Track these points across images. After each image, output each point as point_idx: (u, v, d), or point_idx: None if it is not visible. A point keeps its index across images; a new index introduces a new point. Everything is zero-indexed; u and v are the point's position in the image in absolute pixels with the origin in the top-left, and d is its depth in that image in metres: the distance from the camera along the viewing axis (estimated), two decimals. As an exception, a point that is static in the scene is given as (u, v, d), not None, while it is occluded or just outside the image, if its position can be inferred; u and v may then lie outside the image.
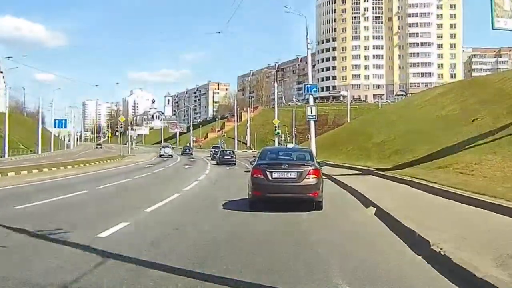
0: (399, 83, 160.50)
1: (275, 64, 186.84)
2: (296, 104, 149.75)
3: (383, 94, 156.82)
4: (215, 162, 51.78)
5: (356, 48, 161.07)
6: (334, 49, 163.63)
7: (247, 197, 13.67)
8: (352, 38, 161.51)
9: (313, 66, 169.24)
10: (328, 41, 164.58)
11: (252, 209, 12.91)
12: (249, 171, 16.52)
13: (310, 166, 13.14)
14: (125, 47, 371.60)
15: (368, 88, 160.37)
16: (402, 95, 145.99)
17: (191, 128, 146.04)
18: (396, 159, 29.09)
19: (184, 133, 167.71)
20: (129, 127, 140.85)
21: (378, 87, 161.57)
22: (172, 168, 44.00)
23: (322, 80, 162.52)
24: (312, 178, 12.75)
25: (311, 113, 38.15)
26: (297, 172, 12.78)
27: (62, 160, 49.31)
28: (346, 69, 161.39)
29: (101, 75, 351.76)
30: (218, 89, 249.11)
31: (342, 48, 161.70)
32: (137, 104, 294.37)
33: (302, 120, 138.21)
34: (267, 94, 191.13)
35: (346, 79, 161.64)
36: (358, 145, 45.43)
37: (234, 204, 14.23)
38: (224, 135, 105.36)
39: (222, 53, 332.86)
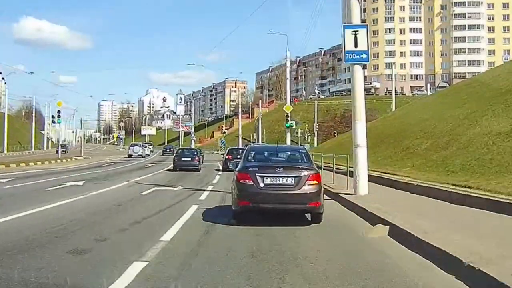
0: (441, 73, 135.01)
1: (296, 59, 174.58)
2: (319, 97, 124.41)
3: (422, 86, 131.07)
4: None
5: (389, 32, 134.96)
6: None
7: (231, 206, 11.12)
8: (385, 20, 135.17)
9: (337, 57, 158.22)
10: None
11: (238, 221, 10.56)
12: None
13: (310, 169, 10.67)
14: (147, 49, 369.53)
15: (404, 79, 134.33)
16: (445, 86, 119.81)
17: (193, 127, 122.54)
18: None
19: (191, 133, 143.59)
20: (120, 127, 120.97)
21: (416, 78, 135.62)
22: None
23: (349, 70, 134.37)
24: (313, 184, 10.40)
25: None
26: (295, 177, 10.36)
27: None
28: (378, 56, 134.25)
29: (122, 76, 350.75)
30: (235, 87, 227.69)
31: (373, 31, 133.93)
32: (152, 104, 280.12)
33: (327, 115, 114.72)
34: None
35: (378, 68, 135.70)
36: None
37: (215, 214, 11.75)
38: (224, 132, 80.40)
39: (244, 52, 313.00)
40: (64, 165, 39.65)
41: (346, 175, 16.59)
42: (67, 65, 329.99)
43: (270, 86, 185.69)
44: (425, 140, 24.75)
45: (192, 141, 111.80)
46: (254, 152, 12.16)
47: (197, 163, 35.15)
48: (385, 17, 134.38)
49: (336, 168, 20.91)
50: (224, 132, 75.79)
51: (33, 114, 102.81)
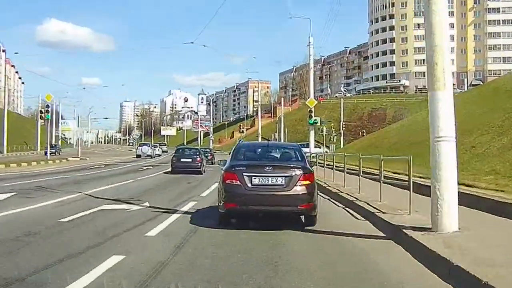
0: (474, 70, 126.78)
1: (320, 58, 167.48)
2: (345, 95, 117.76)
3: (453, 84, 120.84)
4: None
5: (419, 27, 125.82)
6: (392, 28, 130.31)
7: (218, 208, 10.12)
8: (415, 15, 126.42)
9: (363, 56, 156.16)
10: (384, 19, 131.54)
11: (223, 224, 9.80)
12: None
13: (302, 168, 9.81)
14: (172, 50, 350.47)
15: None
16: (478, 84, 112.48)
17: (211, 127, 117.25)
18: None
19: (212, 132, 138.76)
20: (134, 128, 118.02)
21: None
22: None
23: (377, 67, 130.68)
24: (305, 184, 9.59)
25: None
26: (285, 176, 9.58)
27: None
28: (407, 52, 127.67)
29: (146, 78, 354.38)
30: (258, 87, 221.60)
31: (402, 27, 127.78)
32: (175, 104, 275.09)
33: (353, 115, 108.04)
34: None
35: (407, 65, 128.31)
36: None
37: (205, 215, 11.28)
38: (242, 132, 74.33)
39: (268, 53, 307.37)
40: (44, 167, 34.51)
41: (409, 190, 10.24)
42: (90, 67, 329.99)
43: (294, 86, 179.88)
44: (496, 136, 18.50)
45: (211, 141, 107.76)
46: (243, 150, 11.33)
47: (199, 164, 30.34)
48: (415, 12, 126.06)
49: (370, 174, 16.21)
50: (242, 132, 69.69)
51: (38, 114, 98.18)
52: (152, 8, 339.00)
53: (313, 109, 40.53)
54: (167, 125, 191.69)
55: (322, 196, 15.21)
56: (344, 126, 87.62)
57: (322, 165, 24.02)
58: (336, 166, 21.81)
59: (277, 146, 13.49)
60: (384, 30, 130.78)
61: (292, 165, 10.02)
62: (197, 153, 32.16)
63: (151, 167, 36.92)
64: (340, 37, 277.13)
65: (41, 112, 51.03)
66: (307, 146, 37.94)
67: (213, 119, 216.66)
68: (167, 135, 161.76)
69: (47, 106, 45.49)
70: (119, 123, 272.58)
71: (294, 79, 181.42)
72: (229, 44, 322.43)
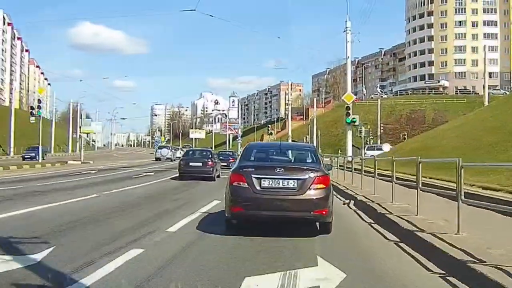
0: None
1: (354, 59, 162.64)
2: (381, 96, 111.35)
3: (496, 85, 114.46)
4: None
5: (460, 25, 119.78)
6: (431, 26, 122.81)
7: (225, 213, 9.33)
8: (455, 12, 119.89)
9: (399, 57, 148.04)
10: (422, 16, 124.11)
11: (230, 230, 9.08)
12: None
13: (316, 170, 9.06)
14: (206, 54, 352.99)
15: (477, 77, 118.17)
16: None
17: (240, 129, 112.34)
18: None
19: (241, 136, 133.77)
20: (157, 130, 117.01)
21: (490, 76, 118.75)
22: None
23: (415, 67, 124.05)
24: (319, 188, 8.84)
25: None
26: (298, 179, 8.81)
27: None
28: (446, 52, 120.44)
29: (179, 81, 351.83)
30: (291, 89, 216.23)
31: (442, 24, 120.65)
32: (206, 108, 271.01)
33: (390, 117, 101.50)
34: (345, 92, 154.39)
35: (446, 65, 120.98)
36: None
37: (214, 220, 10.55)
38: (271, 134, 68.62)
39: (301, 56, 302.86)
40: (27, 171, 31.26)
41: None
42: (123, 70, 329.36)
43: (327, 89, 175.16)
44: None
45: (239, 144, 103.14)
46: (253, 150, 10.53)
47: (211, 169, 26.33)
48: (455, 9, 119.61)
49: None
50: (271, 133, 64.27)
51: (53, 116, 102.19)
52: (185, 12, 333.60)
53: (350, 106, 35.31)
54: (196, 128, 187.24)
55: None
56: (381, 128, 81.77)
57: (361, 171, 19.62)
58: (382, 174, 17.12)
59: (291, 146, 12.83)
60: (422, 28, 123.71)
61: (305, 167, 9.29)
62: (209, 156, 27.76)
63: (152, 173, 31.31)
64: (374, 39, 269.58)
65: (31, 108, 45.98)
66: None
67: (244, 122, 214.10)
68: (195, 138, 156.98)
69: (39, 101, 40.81)
70: (150, 126, 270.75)
71: (327, 81, 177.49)
72: (261, 47, 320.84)
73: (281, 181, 8.72)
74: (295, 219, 9.05)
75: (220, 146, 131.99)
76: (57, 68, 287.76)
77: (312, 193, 8.69)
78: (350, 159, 34.95)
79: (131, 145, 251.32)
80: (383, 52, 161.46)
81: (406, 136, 72.04)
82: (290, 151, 10.90)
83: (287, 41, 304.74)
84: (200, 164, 26.34)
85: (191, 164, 26.42)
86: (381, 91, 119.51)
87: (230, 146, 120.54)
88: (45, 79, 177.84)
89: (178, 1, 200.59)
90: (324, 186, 8.85)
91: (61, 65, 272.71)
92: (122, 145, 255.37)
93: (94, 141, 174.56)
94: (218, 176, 26.75)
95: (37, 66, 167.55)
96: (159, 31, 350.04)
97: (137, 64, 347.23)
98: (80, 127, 46.40)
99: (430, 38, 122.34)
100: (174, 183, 23.13)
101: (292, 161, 10.27)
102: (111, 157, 66.94)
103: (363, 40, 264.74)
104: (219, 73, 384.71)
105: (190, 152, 30.36)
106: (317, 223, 9.26)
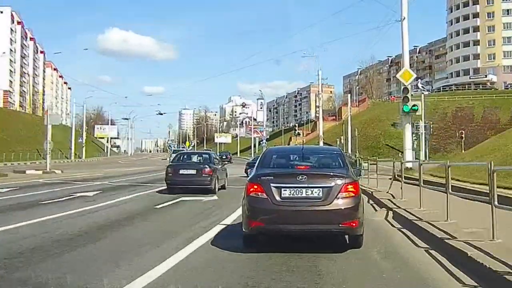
0: None
1: (387, 58, 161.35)
2: (422, 93, 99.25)
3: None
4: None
5: (508, 14, 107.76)
6: (476, 16, 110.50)
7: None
8: (503, 0, 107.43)
9: (435, 54, 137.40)
10: (466, 5, 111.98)
11: (249, 247, 8.02)
12: None
13: (344, 177, 8.03)
14: (235, 59, 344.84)
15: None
16: None
17: (265, 131, 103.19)
18: None
19: (268, 139, 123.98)
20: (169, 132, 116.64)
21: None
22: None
23: (458, 62, 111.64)
24: (348, 197, 7.80)
25: None
26: (323, 187, 7.79)
27: None
28: (494, 43, 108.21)
29: (210, 87, 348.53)
30: (321, 91, 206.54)
31: (488, 14, 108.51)
32: (234, 112, 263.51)
33: (434, 115, 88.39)
34: (378, 94, 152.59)
35: (494, 58, 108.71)
36: None
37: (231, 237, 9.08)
38: (298, 134, 57.94)
39: (332, 57, 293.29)
40: None
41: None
42: (153, 76, 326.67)
43: (359, 90, 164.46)
44: None
45: (264, 148, 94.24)
46: (272, 156, 9.33)
47: (208, 178, 19.55)
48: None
49: None
50: (298, 134, 54.36)
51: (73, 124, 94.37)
52: (215, 16, 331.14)
53: (409, 88, 24.83)
54: (223, 132, 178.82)
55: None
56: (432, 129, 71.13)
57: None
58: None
59: (314, 150, 11.39)
60: (466, 18, 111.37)
61: (331, 173, 8.17)
62: (207, 161, 21.11)
63: (97, 192, 20.20)
64: (411, 34, 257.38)
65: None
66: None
67: (273, 125, 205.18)
68: (219, 143, 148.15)
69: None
70: (178, 131, 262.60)
71: (359, 81, 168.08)
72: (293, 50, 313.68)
73: (304, 190, 7.73)
74: (321, 232, 7.95)
75: (246, 151, 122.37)
76: (85, 74, 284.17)
77: (340, 203, 7.69)
78: (409, 165, 24.10)
79: (157, 151, 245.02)
80: (418, 50, 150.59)
81: (463, 135, 60.53)
82: (313, 156, 9.58)
83: (320, 44, 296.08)
84: (194, 171, 19.64)
85: (181, 172, 19.71)
86: (422, 86, 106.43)
87: (257, 150, 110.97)
88: (65, 83, 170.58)
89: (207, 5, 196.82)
90: (354, 194, 7.80)
91: (91, 71, 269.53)
92: (150, 151, 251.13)
93: (118, 147, 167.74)
94: (223, 187, 20.96)
95: (55, 69, 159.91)
96: (188, 36, 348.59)
97: (166, 69, 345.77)
98: (47, 140, 35.68)
99: (476, 29, 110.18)
100: (109, 214, 12.56)
101: (316, 166, 8.99)
102: (109, 164, 57.94)
103: (397, 36, 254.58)
104: (249, 77, 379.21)
105: (182, 156, 23.13)
106: (348, 236, 8.06)
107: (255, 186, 7.87)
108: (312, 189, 7.68)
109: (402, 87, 25.39)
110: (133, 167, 49.06)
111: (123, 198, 16.42)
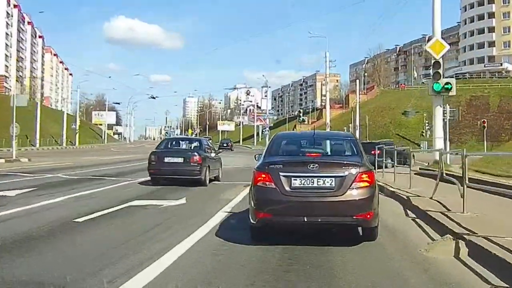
0: None
1: (395, 47, 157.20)
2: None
3: None
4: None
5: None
6: (491, 1, 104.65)
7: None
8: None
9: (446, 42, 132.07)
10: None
11: (257, 239, 7.43)
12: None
13: (358, 165, 7.33)
14: (242, 49, 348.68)
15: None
16: None
17: (268, 119, 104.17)
18: None
19: (272, 128, 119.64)
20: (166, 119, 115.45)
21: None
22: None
23: (472, 49, 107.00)
24: (362, 187, 7.16)
25: None
26: (336, 176, 7.16)
27: None
28: (509, 30, 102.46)
29: (216, 75, 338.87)
30: (328, 75, 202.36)
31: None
32: (239, 99, 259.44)
33: (447, 102, 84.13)
34: (385, 83, 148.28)
35: (509, 45, 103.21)
36: None
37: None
38: (302, 120, 52.91)
39: (339, 47, 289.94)
40: None
41: None
42: (159, 65, 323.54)
43: (366, 79, 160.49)
44: None
45: (266, 137, 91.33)
46: (281, 142, 8.54)
47: (197, 167, 16.96)
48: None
49: None
50: (303, 120, 49.85)
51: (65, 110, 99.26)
52: (222, 5, 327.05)
53: (441, 61, 20.06)
54: (226, 120, 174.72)
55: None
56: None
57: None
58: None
59: (326, 136, 10.46)
60: (480, 3, 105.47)
61: (345, 162, 7.49)
62: (198, 148, 18.45)
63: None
64: (417, 24, 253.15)
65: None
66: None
67: (278, 114, 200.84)
68: (222, 131, 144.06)
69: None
70: (182, 119, 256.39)
71: (366, 70, 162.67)
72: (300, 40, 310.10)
73: (315, 179, 7.14)
74: (333, 224, 7.40)
75: (249, 139, 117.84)
76: (92, 62, 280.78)
77: (355, 193, 7.07)
78: (437, 158, 19.37)
79: (161, 138, 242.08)
80: (427, 38, 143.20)
81: (485, 124, 55.42)
82: (325, 142, 8.78)
83: (326, 33, 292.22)
84: (181, 160, 17.34)
85: (166, 160, 17.37)
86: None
87: (260, 139, 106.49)
88: (66, 69, 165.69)
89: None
90: (368, 184, 7.18)
91: (97, 59, 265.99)
92: (154, 138, 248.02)
93: (120, 134, 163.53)
94: (217, 179, 18.84)
95: (55, 55, 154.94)
96: (195, 25, 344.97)
97: (173, 58, 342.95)
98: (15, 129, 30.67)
99: (491, 15, 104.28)
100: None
101: (328, 153, 8.37)
102: (98, 152, 53.64)
103: (405, 25, 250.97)
104: (255, 66, 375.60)
105: (170, 142, 20.25)
106: (361, 228, 7.48)
107: (263, 175, 7.28)
108: (324, 179, 7.12)
109: (433, 61, 20.69)
110: (120, 155, 44.71)
111: (52, 201, 11.56)
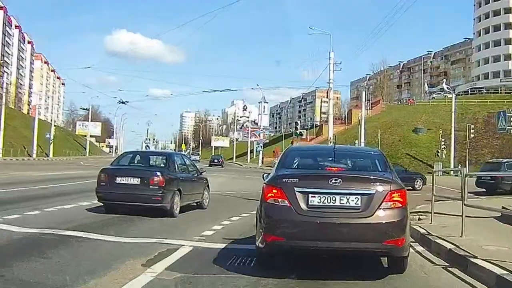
0: None
1: (399, 64, 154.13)
2: (445, 96, 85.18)
3: None
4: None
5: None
6: (508, 11, 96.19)
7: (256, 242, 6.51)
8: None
9: (451, 60, 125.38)
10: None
11: (264, 267, 6.44)
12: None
13: (389, 182, 6.20)
14: (243, 64, 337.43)
15: None
16: None
17: (261, 134, 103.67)
18: None
19: (267, 144, 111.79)
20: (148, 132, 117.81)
21: None
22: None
23: (486, 63, 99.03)
24: (394, 207, 6.03)
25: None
26: (362, 194, 6.01)
27: None
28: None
29: (215, 92, 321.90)
30: (327, 97, 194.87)
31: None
32: (237, 115, 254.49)
33: (463, 121, 71.57)
34: (388, 100, 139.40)
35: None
36: None
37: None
38: (300, 134, 44.26)
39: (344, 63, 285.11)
40: None
41: None
42: (159, 78, 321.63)
43: (367, 96, 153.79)
44: None
45: (260, 154, 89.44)
46: (295, 155, 7.36)
47: (158, 191, 12.47)
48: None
49: None
50: (300, 134, 42.06)
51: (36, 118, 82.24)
52: (224, 20, 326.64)
53: None
54: (221, 136, 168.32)
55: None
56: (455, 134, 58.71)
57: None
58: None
59: (349, 150, 9.27)
60: (497, 13, 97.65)
61: (372, 177, 6.25)
62: (164, 165, 13.76)
63: None
64: (420, 40, 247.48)
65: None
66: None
67: (276, 131, 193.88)
68: (215, 147, 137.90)
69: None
70: (179, 133, 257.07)
71: (368, 87, 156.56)
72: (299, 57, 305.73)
73: (337, 197, 5.92)
74: (359, 252, 6.06)
75: (242, 157, 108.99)
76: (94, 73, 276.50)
77: (384, 215, 5.88)
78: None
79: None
80: (432, 55, 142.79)
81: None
82: (349, 156, 7.57)
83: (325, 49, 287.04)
84: (137, 181, 12.68)
85: (118, 180, 12.71)
86: (448, 88, 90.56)
87: (254, 156, 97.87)
88: (58, 78, 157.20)
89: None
90: (401, 205, 6.01)
91: (97, 71, 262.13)
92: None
93: (111, 147, 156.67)
94: (201, 206, 14.85)
95: (46, 62, 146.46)
96: (196, 40, 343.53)
97: (173, 72, 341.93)
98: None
99: (508, 26, 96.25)
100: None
101: (352, 168, 7.07)
102: (59, 165, 47.75)
103: (408, 41, 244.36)
104: (254, 84, 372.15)
105: (128, 157, 14.92)
106: (387, 259, 6.44)
107: (275, 191, 6.09)
108: (348, 196, 5.92)
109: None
110: (78, 170, 38.82)
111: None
